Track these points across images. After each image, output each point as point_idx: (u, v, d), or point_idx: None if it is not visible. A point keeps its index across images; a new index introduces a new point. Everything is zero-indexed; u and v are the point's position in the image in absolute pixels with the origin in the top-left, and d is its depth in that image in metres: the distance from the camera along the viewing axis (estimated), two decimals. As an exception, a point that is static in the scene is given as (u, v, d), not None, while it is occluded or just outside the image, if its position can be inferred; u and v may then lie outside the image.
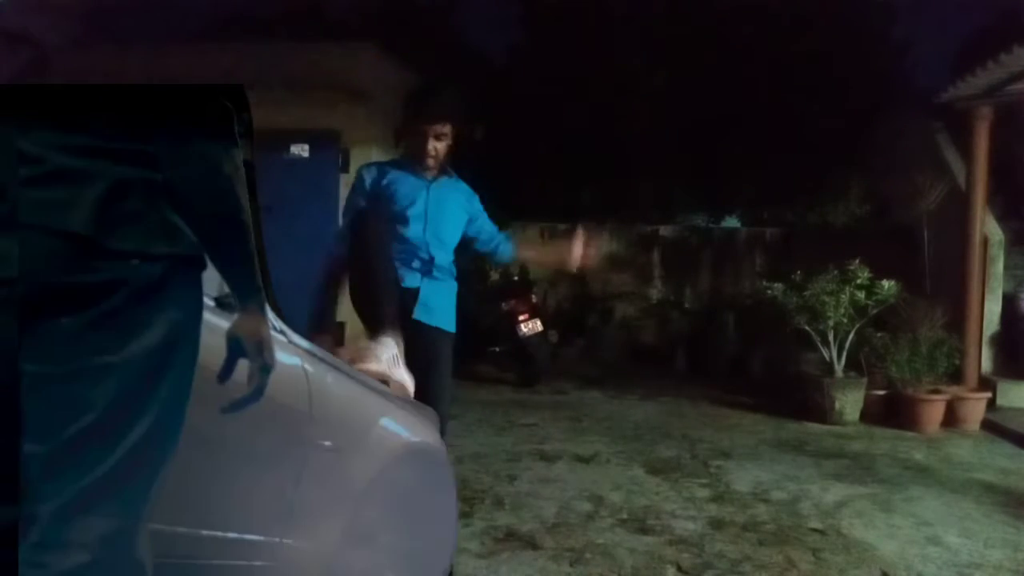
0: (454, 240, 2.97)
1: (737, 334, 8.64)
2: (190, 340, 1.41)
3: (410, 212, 2.85)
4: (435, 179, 2.90)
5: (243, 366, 1.52)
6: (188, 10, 11.21)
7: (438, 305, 2.91)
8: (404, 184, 2.87)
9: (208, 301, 1.64)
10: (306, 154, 7.72)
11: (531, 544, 3.35)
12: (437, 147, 2.83)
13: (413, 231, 2.85)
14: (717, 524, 3.68)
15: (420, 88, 2.97)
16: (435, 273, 2.90)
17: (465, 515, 3.70)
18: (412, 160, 2.89)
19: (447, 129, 2.83)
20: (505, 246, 3.10)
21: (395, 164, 2.95)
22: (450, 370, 2.96)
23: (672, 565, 3.16)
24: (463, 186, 3.02)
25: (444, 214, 2.92)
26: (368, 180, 2.89)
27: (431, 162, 2.85)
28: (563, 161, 10.23)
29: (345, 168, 7.64)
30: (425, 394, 2.74)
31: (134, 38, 8.47)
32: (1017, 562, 3.35)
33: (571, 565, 3.14)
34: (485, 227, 3.06)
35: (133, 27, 9.08)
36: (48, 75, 7.30)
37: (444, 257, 2.93)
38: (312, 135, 7.65)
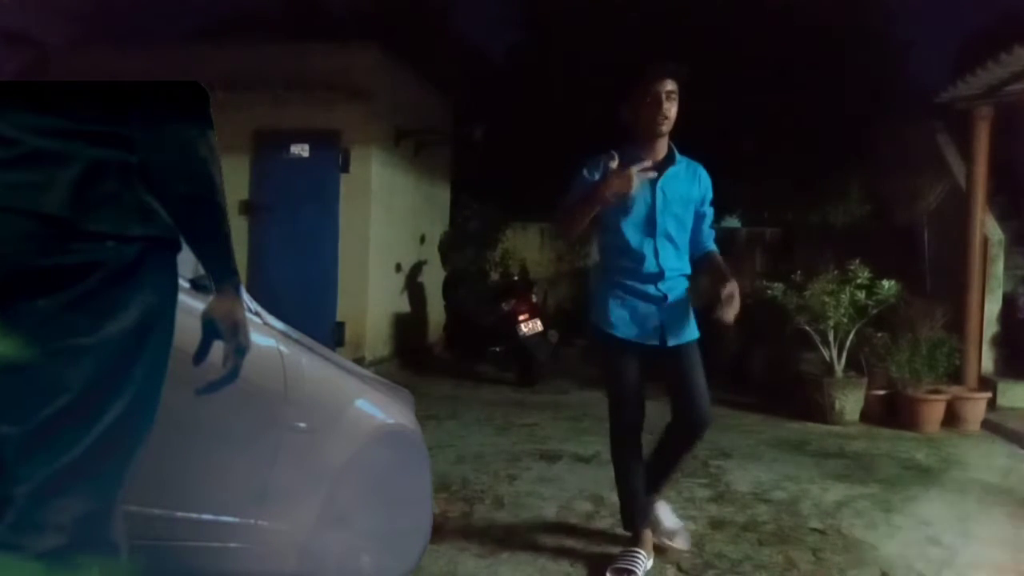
0: (686, 239, 2.98)
1: (737, 334, 8.63)
2: (165, 322, 1.41)
3: (632, 225, 2.87)
4: (660, 174, 2.84)
5: (218, 348, 1.52)
6: (188, 10, 11.21)
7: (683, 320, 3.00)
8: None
9: (183, 283, 1.64)
10: (306, 154, 7.72)
11: (531, 544, 3.35)
12: (671, 109, 2.80)
13: (642, 246, 2.87)
14: (717, 524, 3.68)
15: (641, 61, 2.92)
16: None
17: (465, 515, 3.70)
18: (641, 137, 2.83)
19: (676, 88, 2.80)
20: (709, 242, 3.08)
21: (617, 159, 2.84)
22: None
23: (672, 565, 3.15)
24: (692, 171, 2.96)
25: (673, 213, 2.90)
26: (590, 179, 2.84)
27: (665, 126, 2.81)
28: (563, 161, 10.21)
29: (345, 168, 7.63)
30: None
31: (133, 38, 8.47)
32: (1017, 562, 3.34)
33: (571, 565, 3.14)
34: (701, 220, 3.01)
35: (133, 27, 9.08)
36: (48, 75, 7.30)
37: (676, 262, 2.96)
38: (312, 135, 7.65)
